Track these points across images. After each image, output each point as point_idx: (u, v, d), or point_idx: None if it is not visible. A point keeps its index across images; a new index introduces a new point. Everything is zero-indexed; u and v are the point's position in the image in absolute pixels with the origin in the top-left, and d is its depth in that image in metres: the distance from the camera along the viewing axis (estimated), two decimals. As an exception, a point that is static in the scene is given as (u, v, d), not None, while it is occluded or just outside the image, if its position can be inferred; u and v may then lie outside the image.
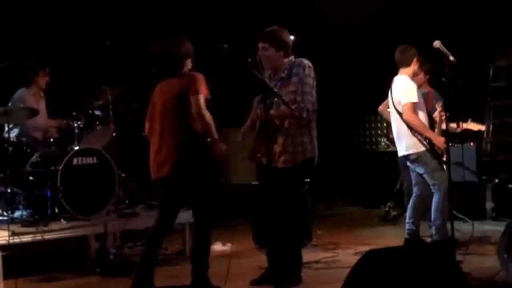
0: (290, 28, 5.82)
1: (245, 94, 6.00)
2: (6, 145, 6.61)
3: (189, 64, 5.47)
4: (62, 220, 6.59)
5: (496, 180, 8.86)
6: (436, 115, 6.99)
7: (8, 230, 6.01)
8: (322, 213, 9.68)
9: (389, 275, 4.42)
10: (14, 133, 7.00)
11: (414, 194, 6.89)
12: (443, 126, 6.82)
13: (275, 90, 5.46)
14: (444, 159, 6.58)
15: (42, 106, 7.42)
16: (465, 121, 7.58)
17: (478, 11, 9.52)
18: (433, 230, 6.76)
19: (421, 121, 6.63)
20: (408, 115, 6.56)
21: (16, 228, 6.29)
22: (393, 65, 6.85)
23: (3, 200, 6.78)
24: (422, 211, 6.86)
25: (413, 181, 6.90)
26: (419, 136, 6.61)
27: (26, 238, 6.13)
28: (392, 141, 8.54)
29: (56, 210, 6.64)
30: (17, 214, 6.87)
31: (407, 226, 6.81)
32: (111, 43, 7.65)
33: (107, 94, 7.33)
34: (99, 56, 7.88)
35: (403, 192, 8.25)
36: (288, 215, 5.64)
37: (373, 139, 11.37)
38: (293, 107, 5.43)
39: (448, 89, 5.72)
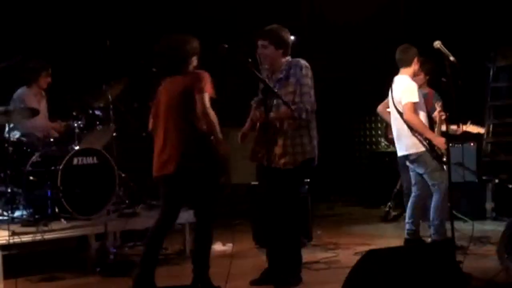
0: (290, 28, 5.82)
1: (245, 94, 6.01)
2: (6, 145, 6.61)
3: (194, 61, 5.45)
4: (62, 220, 6.59)
5: (496, 180, 8.87)
6: (435, 115, 6.99)
7: (8, 230, 6.01)
8: (322, 213, 9.69)
9: (389, 275, 4.42)
10: (14, 133, 6.99)
11: (413, 194, 6.90)
12: (443, 128, 6.82)
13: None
14: (444, 159, 6.58)
15: (43, 106, 7.42)
16: (465, 123, 7.60)
17: (478, 11, 9.52)
18: (432, 230, 6.77)
19: (421, 121, 6.64)
20: (408, 115, 6.56)
21: (16, 228, 6.29)
22: (393, 65, 6.85)
23: (3, 200, 6.78)
24: (422, 211, 6.86)
25: (412, 181, 6.91)
26: (419, 136, 6.61)
27: (26, 238, 6.13)
28: (391, 142, 8.55)
29: (56, 210, 6.64)
30: (17, 214, 6.87)
31: (407, 226, 6.81)
32: (111, 43, 7.65)
33: (107, 94, 7.33)
34: (99, 56, 7.88)
35: (403, 192, 8.26)
36: (288, 215, 5.64)
37: (373, 139, 11.37)
38: (292, 107, 5.43)
39: (448, 90, 5.72)
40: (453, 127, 7.39)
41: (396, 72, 6.82)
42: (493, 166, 9.22)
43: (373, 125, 11.29)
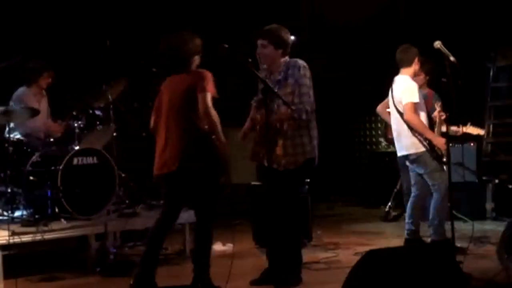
0: (290, 28, 5.82)
1: (245, 94, 6.01)
2: (6, 145, 6.60)
3: (197, 60, 5.45)
4: (62, 220, 6.59)
5: (496, 181, 8.87)
6: (435, 115, 7.00)
7: (8, 230, 6.01)
8: (322, 213, 9.69)
9: (389, 276, 4.42)
10: (14, 133, 6.99)
11: (412, 194, 6.90)
12: (443, 128, 6.82)
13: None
14: (444, 159, 6.59)
15: (43, 105, 7.41)
16: (465, 124, 7.61)
17: (478, 11, 9.52)
18: (431, 230, 6.77)
19: (421, 121, 6.63)
20: (409, 115, 6.56)
21: (16, 227, 6.29)
22: (393, 65, 6.85)
23: (3, 200, 6.78)
24: (422, 211, 6.86)
25: (412, 181, 6.91)
26: (419, 137, 6.61)
27: (26, 238, 6.13)
28: (390, 142, 8.56)
29: (56, 210, 6.63)
30: (17, 214, 6.87)
31: (407, 226, 6.82)
32: (111, 43, 7.65)
33: (107, 94, 7.33)
34: (99, 56, 7.88)
35: (403, 192, 8.26)
36: (288, 215, 5.64)
37: (373, 139, 11.36)
38: (292, 108, 5.43)
39: (448, 90, 5.72)
40: (453, 128, 7.40)
41: (396, 72, 6.82)
42: (493, 166, 9.22)
43: (373, 125, 11.29)
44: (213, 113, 5.27)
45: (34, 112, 6.80)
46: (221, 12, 9.84)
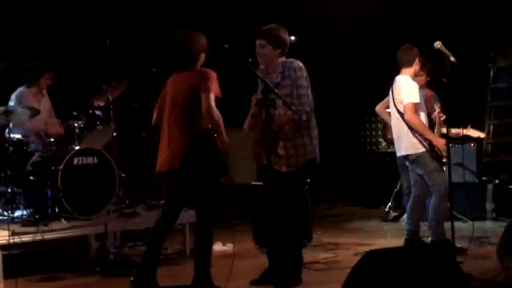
0: (290, 28, 5.81)
1: (245, 94, 6.01)
2: (6, 145, 6.60)
3: (202, 58, 5.44)
4: (62, 220, 6.59)
5: (497, 181, 8.87)
6: (434, 115, 7.00)
7: (8, 229, 6.01)
8: (322, 213, 9.68)
9: (389, 276, 4.42)
10: (14, 132, 6.99)
11: (412, 194, 6.90)
12: (443, 130, 6.83)
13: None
14: (444, 160, 6.59)
15: (43, 105, 7.41)
16: (465, 127, 7.61)
17: (478, 11, 9.52)
18: (430, 231, 6.77)
19: (422, 122, 6.63)
20: (409, 116, 6.55)
21: (16, 227, 6.29)
22: (393, 65, 6.85)
23: (3, 200, 6.78)
24: (421, 211, 6.86)
25: (412, 182, 6.91)
26: (419, 137, 6.60)
27: (26, 238, 6.13)
28: (389, 142, 8.57)
29: (57, 210, 6.64)
30: (17, 213, 6.87)
31: (407, 227, 6.81)
32: (111, 43, 7.65)
33: (107, 94, 7.33)
34: (99, 56, 7.88)
35: (403, 192, 8.27)
36: (290, 216, 5.64)
37: (373, 139, 11.36)
38: (292, 108, 5.43)
39: (448, 90, 5.72)
40: (454, 131, 7.40)
41: (396, 72, 6.81)
42: (493, 167, 9.22)
43: (373, 125, 11.29)
44: (216, 113, 5.26)
45: (34, 112, 6.80)
46: (221, 12, 9.84)
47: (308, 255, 6.35)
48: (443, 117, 6.98)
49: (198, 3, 9.87)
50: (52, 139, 7.11)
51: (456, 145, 8.31)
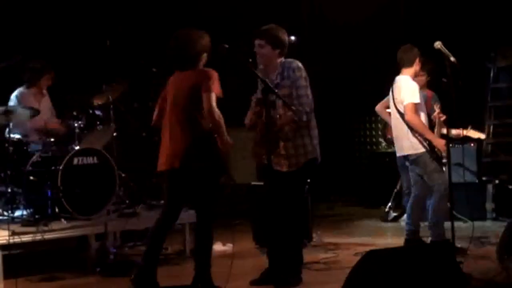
0: (290, 28, 5.81)
1: (245, 94, 6.01)
2: (6, 144, 6.60)
3: (205, 58, 5.44)
4: (62, 220, 6.59)
5: (497, 181, 8.87)
6: (434, 116, 7.00)
7: (8, 229, 6.01)
8: (322, 213, 9.68)
9: (389, 276, 4.42)
10: (14, 132, 6.99)
11: (412, 195, 6.90)
12: (444, 130, 6.82)
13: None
14: (444, 160, 6.59)
15: (43, 105, 7.41)
16: (465, 128, 7.61)
17: (478, 11, 9.52)
18: (430, 231, 6.77)
19: (422, 122, 6.63)
20: (409, 116, 6.55)
21: (17, 227, 6.29)
22: (393, 65, 6.85)
23: (3, 200, 6.78)
24: (421, 212, 6.86)
25: (412, 182, 6.91)
26: (419, 137, 6.61)
27: (26, 238, 6.13)
28: (389, 141, 8.56)
29: (57, 210, 6.64)
30: (17, 213, 6.87)
31: (407, 227, 6.81)
32: (111, 43, 7.65)
33: (107, 94, 7.33)
34: (99, 56, 7.88)
35: (403, 192, 8.26)
36: (291, 216, 5.64)
37: (373, 139, 11.36)
38: (292, 108, 5.43)
39: (449, 90, 5.72)
40: (454, 132, 7.39)
41: (396, 72, 6.81)
42: (493, 167, 9.22)
43: (373, 125, 11.29)
44: (217, 113, 5.26)
45: (34, 112, 6.80)
46: (221, 12, 9.84)
47: (308, 255, 6.34)
48: (443, 118, 6.98)
49: (198, 3, 9.87)
50: (52, 139, 7.11)
51: (456, 145, 8.32)
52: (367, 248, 5.64)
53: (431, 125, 6.91)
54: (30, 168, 6.79)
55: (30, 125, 7.16)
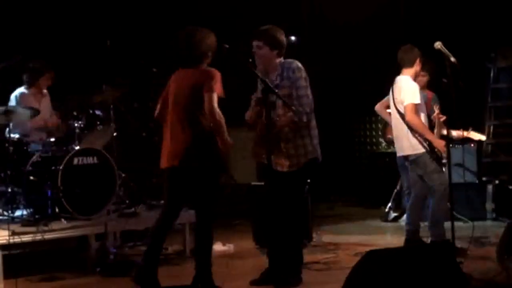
0: (290, 28, 5.81)
1: (245, 94, 6.01)
2: (6, 144, 6.60)
3: (209, 57, 5.42)
4: (62, 220, 6.60)
5: (497, 181, 8.87)
6: (434, 116, 7.00)
7: (9, 229, 6.01)
8: (322, 213, 9.68)
9: (389, 276, 4.42)
10: (15, 132, 6.99)
11: (412, 195, 6.90)
12: (444, 131, 6.82)
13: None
14: (444, 161, 6.59)
15: (44, 105, 7.42)
16: (466, 129, 7.61)
17: (478, 11, 9.52)
18: (430, 231, 6.77)
19: (422, 122, 6.63)
20: (409, 116, 6.55)
21: (17, 227, 6.29)
22: (393, 65, 6.85)
23: (3, 200, 6.78)
24: (421, 212, 6.86)
25: (412, 182, 6.91)
26: (419, 138, 6.61)
27: (26, 238, 6.13)
28: (388, 141, 8.56)
29: (57, 210, 6.64)
30: (17, 213, 6.88)
31: (407, 227, 6.81)
32: (111, 43, 7.65)
33: (107, 94, 7.33)
34: (99, 56, 7.88)
35: (403, 193, 8.26)
36: (291, 216, 5.64)
37: (373, 139, 11.37)
38: (292, 108, 5.43)
39: (449, 90, 5.72)
40: (455, 133, 7.39)
41: (396, 72, 6.81)
42: (493, 167, 9.22)
43: (373, 125, 11.29)
44: (219, 113, 5.26)
45: (34, 112, 6.80)
46: (221, 12, 9.84)
47: (308, 255, 6.35)
48: (443, 118, 6.98)
49: (198, 3, 9.87)
50: (52, 139, 7.11)
51: (456, 146, 8.32)
52: (367, 248, 5.64)
53: (431, 125, 6.91)
54: (30, 168, 6.79)
55: (30, 125, 7.17)
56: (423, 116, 6.71)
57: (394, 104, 6.73)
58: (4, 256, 6.00)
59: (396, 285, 4.43)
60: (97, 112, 7.34)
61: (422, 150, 6.61)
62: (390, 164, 8.79)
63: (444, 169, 6.67)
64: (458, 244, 6.17)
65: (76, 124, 7.10)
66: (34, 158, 6.84)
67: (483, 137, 8.11)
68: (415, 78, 6.78)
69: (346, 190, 11.04)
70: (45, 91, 7.54)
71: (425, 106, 6.91)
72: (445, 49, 5.82)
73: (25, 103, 7.15)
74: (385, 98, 7.05)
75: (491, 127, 9.50)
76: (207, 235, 5.48)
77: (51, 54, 8.09)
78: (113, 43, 7.73)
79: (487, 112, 9.56)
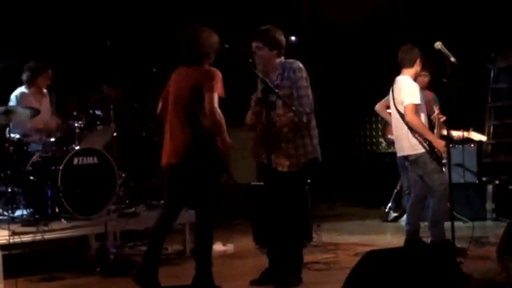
0: (290, 28, 5.81)
1: (245, 94, 6.01)
2: (6, 144, 6.61)
3: (212, 57, 5.41)
4: (62, 220, 6.60)
5: (497, 181, 8.88)
6: (434, 116, 7.00)
7: (9, 229, 6.01)
8: (322, 213, 9.67)
9: (389, 276, 4.42)
10: (15, 132, 6.99)
11: (412, 195, 6.91)
12: (444, 131, 6.82)
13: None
14: (444, 161, 6.59)
15: (44, 105, 7.42)
16: (467, 129, 7.61)
17: (478, 12, 9.53)
18: (430, 231, 6.77)
19: (422, 123, 6.63)
20: (410, 117, 6.55)
21: (17, 227, 6.29)
22: (393, 65, 6.85)
23: (3, 200, 6.78)
24: (421, 212, 6.86)
25: (412, 182, 6.91)
26: (419, 138, 6.61)
27: (26, 238, 6.13)
28: (389, 142, 8.56)
29: (57, 210, 6.64)
30: (17, 213, 6.88)
31: (407, 227, 6.81)
32: (111, 43, 7.65)
33: (107, 94, 7.33)
34: (99, 56, 7.88)
35: (403, 193, 8.26)
36: (291, 216, 5.64)
37: (373, 139, 11.37)
38: (292, 108, 5.43)
39: (449, 91, 5.72)
40: (455, 133, 7.39)
41: (396, 72, 6.81)
42: (493, 167, 9.23)
43: (373, 125, 11.29)
44: (219, 113, 5.25)
45: (34, 112, 6.80)
46: (221, 12, 9.84)
47: (308, 255, 6.35)
48: (443, 118, 6.98)
49: (198, 3, 9.87)
50: (52, 139, 7.11)
51: (456, 146, 8.32)
52: (367, 248, 5.64)
53: (431, 125, 6.92)
54: (30, 168, 6.79)
55: (30, 125, 7.16)
56: (423, 116, 6.71)
57: (394, 104, 6.73)
58: (4, 256, 6.00)
59: (396, 285, 4.43)
60: (97, 112, 7.33)
61: (422, 150, 6.61)
62: (390, 164, 8.79)
63: (444, 169, 6.67)
64: (458, 244, 6.17)
65: (76, 124, 7.09)
66: (34, 158, 6.84)
67: (483, 138, 8.11)
68: (415, 78, 6.78)
69: (346, 190, 11.04)
70: (45, 91, 7.55)
71: (425, 106, 6.91)
72: (445, 49, 5.82)
73: (26, 103, 7.16)
74: (385, 98, 7.05)
75: (491, 127, 9.51)
76: (207, 235, 5.48)
77: (51, 54, 8.09)
78: (113, 43, 7.73)
79: (487, 112, 9.56)
